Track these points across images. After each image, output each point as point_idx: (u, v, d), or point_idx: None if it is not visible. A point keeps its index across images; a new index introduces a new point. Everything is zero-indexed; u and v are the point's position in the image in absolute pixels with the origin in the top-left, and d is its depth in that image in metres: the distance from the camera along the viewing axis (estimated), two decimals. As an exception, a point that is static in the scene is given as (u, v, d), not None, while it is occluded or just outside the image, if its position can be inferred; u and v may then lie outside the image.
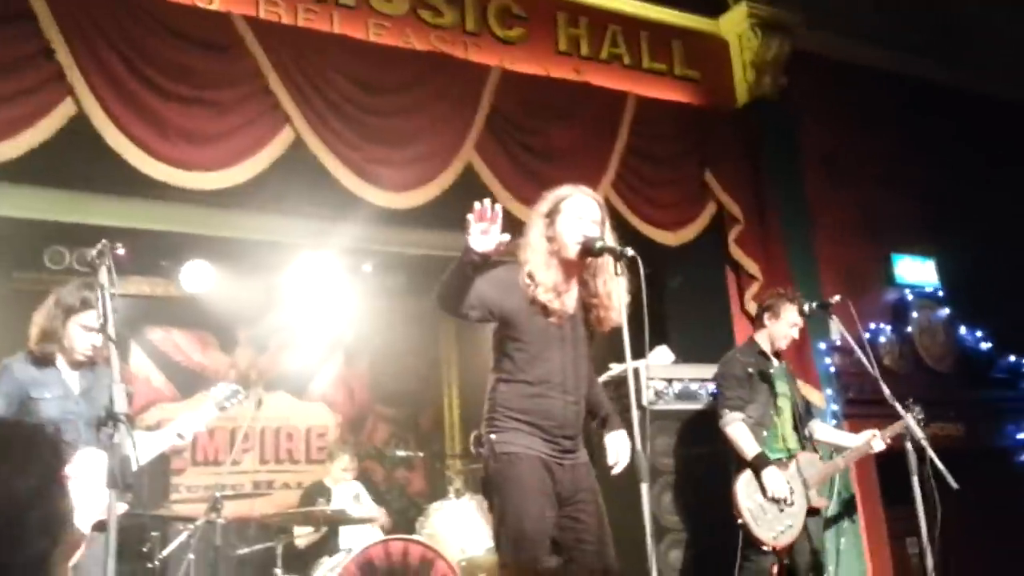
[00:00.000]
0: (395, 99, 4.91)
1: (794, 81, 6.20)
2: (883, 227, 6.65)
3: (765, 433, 4.53)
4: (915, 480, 4.10)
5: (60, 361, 3.50)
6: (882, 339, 6.28)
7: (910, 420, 4.22)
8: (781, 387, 4.66)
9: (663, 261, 5.76)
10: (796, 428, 4.64)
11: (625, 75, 5.77)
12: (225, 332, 7.01)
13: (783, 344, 4.68)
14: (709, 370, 5.59)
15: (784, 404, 4.63)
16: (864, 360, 4.28)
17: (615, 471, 3.22)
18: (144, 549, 4.79)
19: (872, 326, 6.23)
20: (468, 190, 5.05)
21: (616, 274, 3.06)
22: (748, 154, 5.93)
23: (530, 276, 3.13)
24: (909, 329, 6.53)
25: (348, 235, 5.88)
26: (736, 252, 5.76)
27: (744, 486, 4.44)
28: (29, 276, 6.06)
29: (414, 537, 4.92)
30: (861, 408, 5.82)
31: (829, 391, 5.75)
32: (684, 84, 6.01)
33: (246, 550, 5.17)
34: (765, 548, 4.39)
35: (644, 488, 2.97)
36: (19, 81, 3.98)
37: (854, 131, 6.70)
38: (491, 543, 4.88)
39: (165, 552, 4.83)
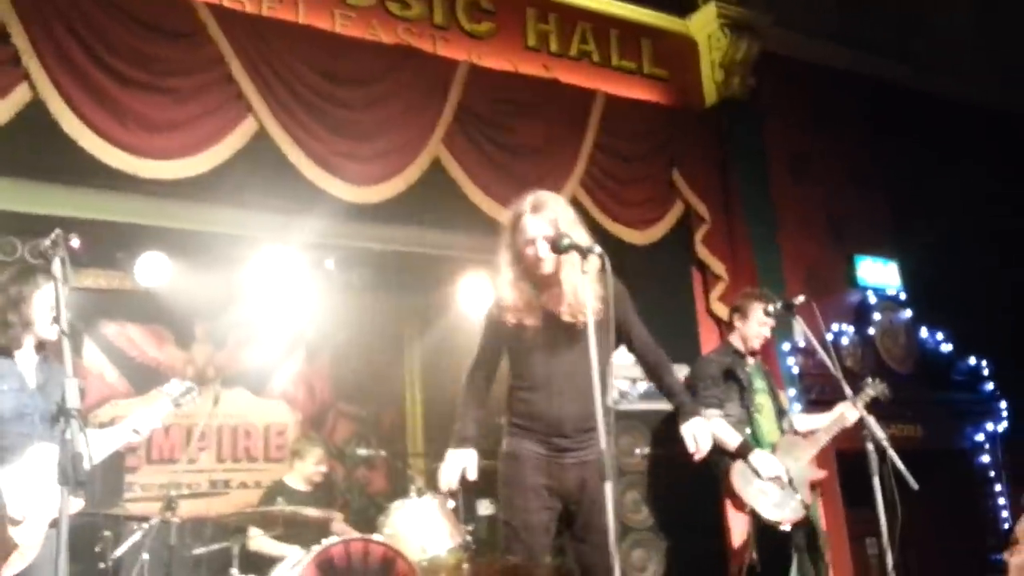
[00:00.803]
0: (361, 91, 4.84)
1: (762, 81, 6.23)
2: (846, 228, 6.71)
3: (748, 431, 4.54)
4: (876, 480, 4.12)
5: (17, 353, 3.38)
6: (844, 340, 6.32)
7: (871, 420, 4.23)
8: (758, 384, 4.69)
9: (630, 260, 5.74)
10: (778, 424, 4.68)
11: (594, 73, 5.76)
12: (182, 327, 6.84)
13: (756, 343, 4.70)
14: (674, 370, 5.60)
15: (763, 401, 4.66)
16: (827, 361, 4.29)
17: (697, 458, 3.41)
18: (97, 549, 4.65)
19: (835, 327, 6.28)
20: (433, 185, 5.01)
21: (582, 272, 3.07)
22: (716, 154, 5.96)
23: (498, 303, 3.36)
24: (871, 331, 6.59)
25: (311, 229, 5.77)
26: (702, 252, 5.78)
27: (739, 476, 4.44)
28: (-22, 267, 5.88)
29: (374, 537, 4.84)
30: (822, 409, 5.83)
31: (792, 391, 5.78)
32: (653, 83, 6.01)
33: (202, 550, 5.06)
34: (784, 527, 4.39)
35: (608, 487, 2.98)
36: (-31, 65, 3.86)
37: (820, 132, 6.75)
38: (452, 542, 4.86)
39: (118, 552, 4.69)
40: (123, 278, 6.19)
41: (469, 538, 5.02)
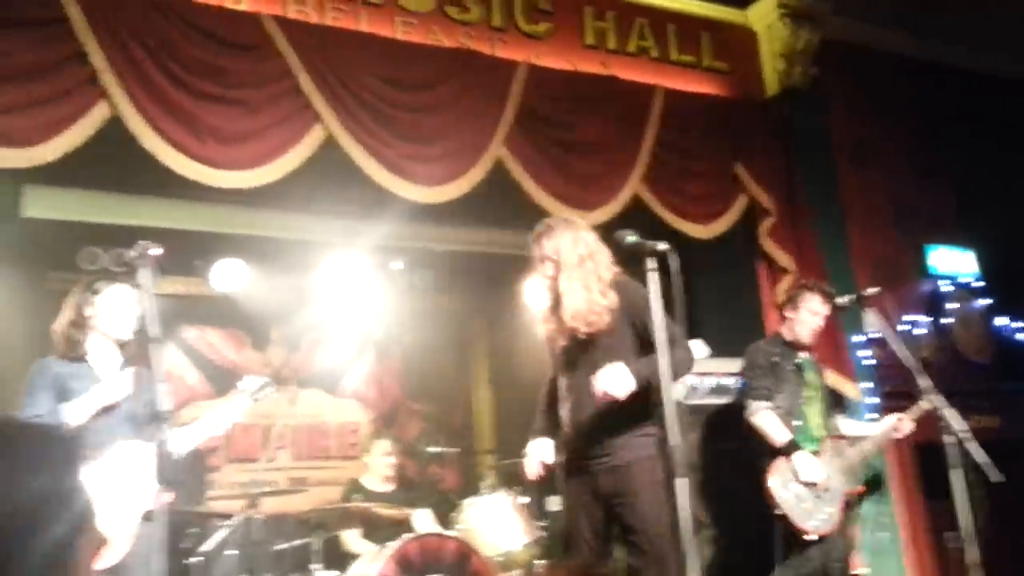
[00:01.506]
0: (424, 96, 4.92)
1: (824, 70, 6.13)
2: (915, 217, 6.57)
3: (796, 423, 4.48)
4: (955, 473, 4.05)
5: (91, 357, 3.53)
6: (918, 331, 6.20)
7: (951, 412, 4.16)
8: (810, 377, 4.62)
9: (694, 255, 5.73)
10: (826, 419, 4.61)
11: (653, 68, 5.74)
12: (258, 330, 7.05)
13: (806, 334, 4.62)
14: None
15: (813, 395, 4.59)
16: (901, 352, 4.24)
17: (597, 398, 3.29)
18: (184, 545, 4.83)
19: (907, 318, 6.16)
20: (496, 185, 5.07)
21: (647, 269, 3.11)
22: (779, 145, 5.88)
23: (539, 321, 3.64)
24: (945, 321, 6.44)
25: (378, 232, 5.90)
26: (768, 245, 5.72)
27: (778, 477, 4.39)
28: (63, 277, 6.12)
29: (449, 533, 4.92)
30: (899, 401, 5.72)
31: (865, 384, 5.69)
32: (713, 76, 5.97)
33: (284, 545, 5.21)
34: (809, 537, 4.33)
35: (680, 483, 3.00)
36: (53, 85, 4.02)
37: (886, 119, 6.62)
38: (525, 539, 4.92)
39: (205, 547, 4.86)
40: (201, 284, 6.39)
41: (542, 534, 5.08)
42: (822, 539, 4.35)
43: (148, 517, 3.02)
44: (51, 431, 1.11)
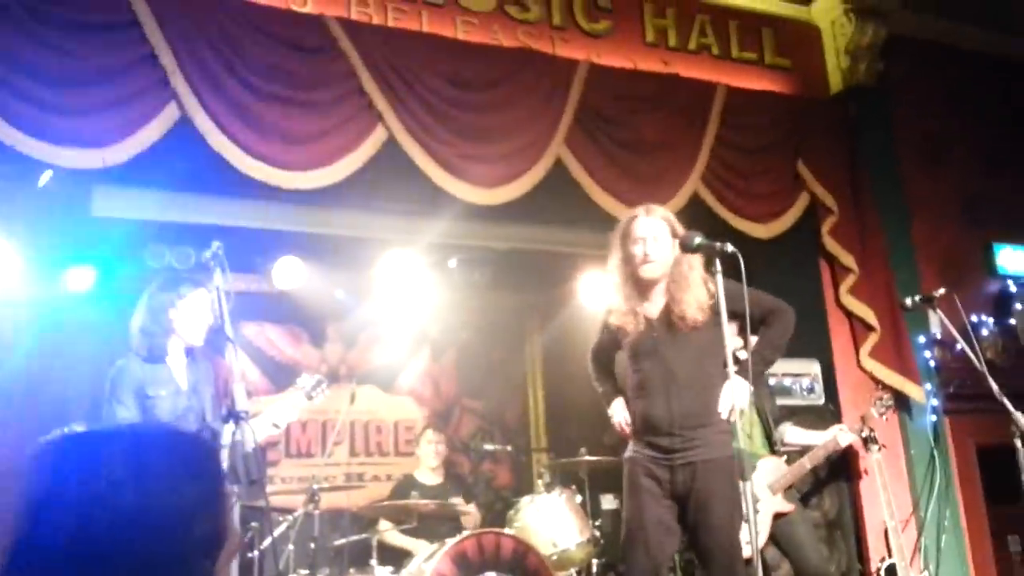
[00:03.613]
0: (485, 95, 4.93)
1: (890, 66, 6.01)
2: (983, 215, 6.40)
3: None
4: (1026, 477, 3.95)
5: (169, 359, 3.60)
6: (984, 331, 6.05)
7: (1019, 416, 4.05)
8: None
9: (755, 254, 5.66)
10: (766, 434, 4.48)
11: (714, 65, 5.68)
12: (315, 327, 7.13)
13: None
14: (804, 365, 5.50)
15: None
16: (970, 354, 4.14)
17: (723, 416, 3.28)
18: (246, 539, 4.90)
19: (973, 318, 6.02)
20: (554, 183, 5.06)
21: (714, 271, 3.11)
22: (842, 143, 5.78)
23: (609, 309, 3.55)
24: (1012, 321, 6.28)
25: (435, 230, 5.94)
26: (830, 244, 5.62)
27: None
28: (130, 275, 6.25)
29: (506, 531, 4.94)
30: (963, 403, 5.66)
31: (929, 386, 5.58)
32: (775, 73, 5.88)
33: (343, 541, 5.26)
34: None
35: (744, 487, 2.99)
36: (124, 87, 4.10)
37: (953, 116, 6.46)
38: (581, 537, 4.91)
39: (265, 543, 4.94)
40: (260, 281, 6.48)
41: (597, 533, 5.07)
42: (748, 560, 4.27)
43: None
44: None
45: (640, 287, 3.45)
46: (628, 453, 3.50)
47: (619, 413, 3.56)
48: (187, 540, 0.92)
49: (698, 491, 3.31)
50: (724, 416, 3.23)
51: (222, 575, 0.97)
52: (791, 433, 4.67)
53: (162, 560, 0.90)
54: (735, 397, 3.15)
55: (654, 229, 3.43)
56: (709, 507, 3.31)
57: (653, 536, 3.33)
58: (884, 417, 5.12)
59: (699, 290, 3.36)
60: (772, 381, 5.18)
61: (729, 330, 4.34)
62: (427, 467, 5.93)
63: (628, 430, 3.53)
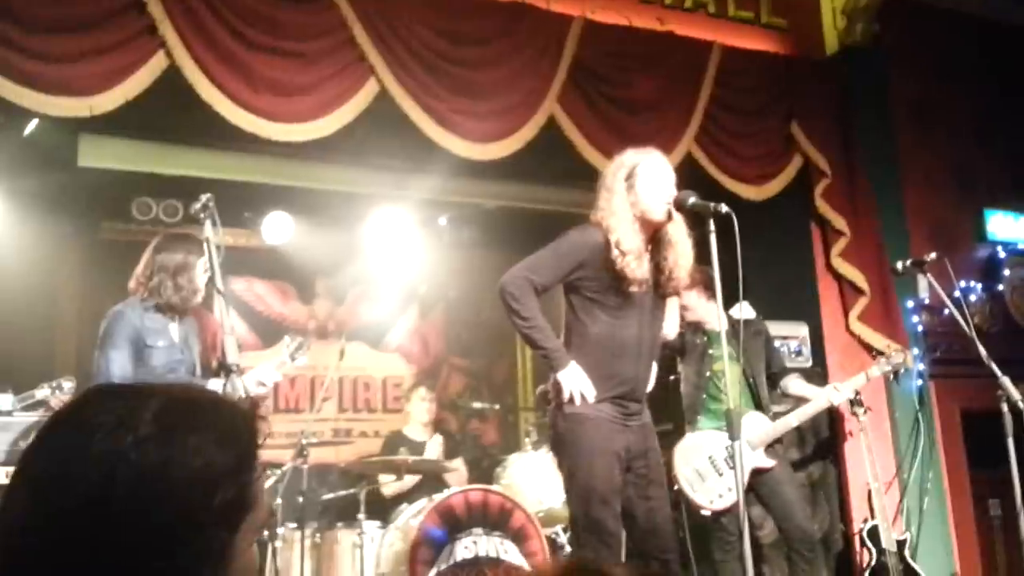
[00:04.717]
0: (478, 50, 4.87)
1: (886, 28, 5.95)
2: (975, 181, 6.40)
3: (703, 396, 4.43)
4: (1011, 442, 3.98)
5: (168, 312, 3.57)
6: (972, 297, 6.08)
7: (1007, 381, 4.08)
8: (718, 350, 4.36)
9: (746, 216, 5.65)
10: (752, 390, 4.43)
11: (710, 24, 5.61)
12: (304, 283, 7.10)
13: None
14: (792, 327, 5.52)
15: (724, 367, 4.28)
16: (959, 319, 4.15)
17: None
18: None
19: (962, 284, 6.04)
20: (546, 141, 5.02)
21: (708, 231, 3.10)
22: (837, 105, 5.73)
23: (617, 245, 3.18)
24: (1000, 287, 6.32)
25: (425, 187, 5.89)
26: (822, 206, 5.60)
27: (680, 453, 4.40)
28: (117, 227, 6.21)
29: (493, 487, 4.97)
30: (948, 368, 5.70)
31: (916, 350, 5.62)
32: (771, 33, 5.82)
33: (331, 496, 5.29)
34: (704, 513, 4.35)
35: (737, 446, 3.02)
36: (112, 34, 4.03)
37: (948, 80, 6.41)
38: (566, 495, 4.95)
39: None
40: (250, 236, 6.44)
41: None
42: (722, 513, 4.33)
43: None
44: (240, 404, 1.02)
45: (646, 233, 3.25)
46: (582, 411, 3.18)
47: (581, 380, 3.16)
48: (207, 507, 0.89)
49: (650, 450, 3.33)
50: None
51: (243, 549, 0.93)
52: (795, 385, 4.63)
53: (178, 525, 0.87)
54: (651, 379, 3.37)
55: (668, 172, 3.32)
56: (659, 465, 3.39)
57: (618, 502, 3.24)
58: (892, 375, 4.94)
59: (689, 255, 3.30)
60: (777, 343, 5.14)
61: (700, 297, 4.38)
62: (418, 423, 5.95)
63: (588, 402, 3.18)
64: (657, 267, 3.31)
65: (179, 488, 0.87)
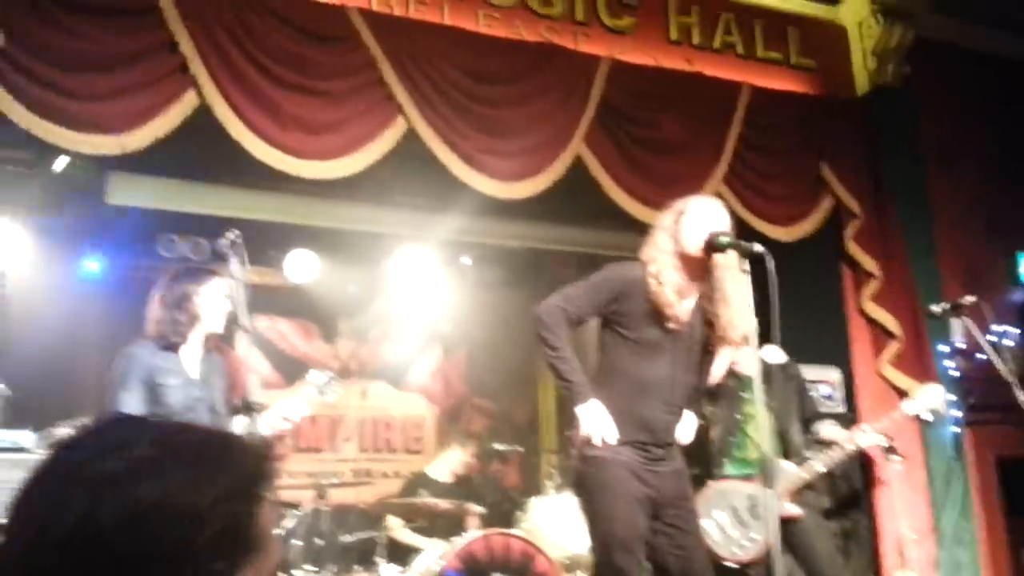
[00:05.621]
0: (505, 89, 4.87)
1: (917, 70, 5.91)
2: (1008, 223, 6.29)
3: (732, 439, 4.31)
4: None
5: (182, 348, 3.53)
6: (1007, 342, 5.95)
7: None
8: (750, 394, 4.18)
9: (775, 258, 5.58)
10: (782, 436, 4.30)
11: (739, 65, 5.60)
12: (327, 322, 7.09)
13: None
14: (824, 372, 5.42)
15: (754, 411, 4.03)
16: (997, 363, 4.06)
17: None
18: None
19: (996, 328, 5.92)
20: (571, 182, 4.99)
21: (742, 271, 3.04)
22: (867, 146, 5.69)
23: (655, 276, 3.13)
24: (1036, 332, 6.19)
25: (449, 227, 5.88)
26: (853, 248, 5.53)
27: (703, 503, 4.19)
28: (143, 264, 6.22)
29: (515, 532, 4.88)
30: (984, 414, 5.57)
31: (950, 396, 5.49)
32: (800, 73, 5.79)
33: (350, 538, 5.21)
34: (728, 564, 4.18)
35: (771, 494, 2.95)
36: (144, 73, 4.06)
37: (980, 121, 6.35)
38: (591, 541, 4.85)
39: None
40: (273, 274, 6.44)
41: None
42: (747, 565, 4.19)
43: None
44: (240, 441, 0.99)
45: (685, 275, 3.17)
46: (602, 454, 3.09)
47: (603, 420, 3.06)
48: (197, 537, 0.86)
49: (681, 498, 3.23)
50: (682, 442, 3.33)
51: None
52: (827, 429, 4.50)
53: (167, 555, 0.84)
54: (689, 430, 3.35)
55: (718, 214, 3.24)
56: (692, 514, 3.29)
57: (642, 549, 3.13)
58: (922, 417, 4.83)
59: (746, 315, 3.04)
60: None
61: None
62: (447, 468, 5.88)
63: (609, 443, 3.08)
64: (708, 323, 3.26)
65: (168, 516, 0.85)
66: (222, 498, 0.88)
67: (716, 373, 4.36)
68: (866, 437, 4.36)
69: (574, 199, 5.27)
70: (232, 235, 2.89)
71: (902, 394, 5.43)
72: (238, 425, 2.52)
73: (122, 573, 0.83)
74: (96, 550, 0.83)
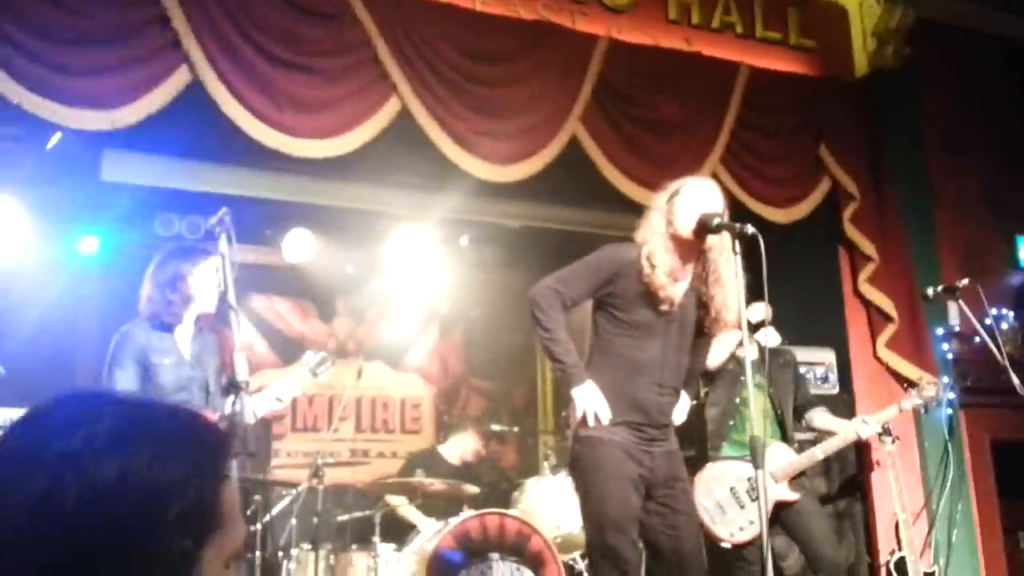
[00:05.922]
0: (502, 69, 4.83)
1: (917, 51, 5.85)
2: (1007, 206, 6.27)
3: (731, 422, 4.35)
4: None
5: (178, 327, 3.54)
6: (1004, 325, 5.93)
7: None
8: (749, 375, 4.32)
9: (771, 239, 5.56)
10: (780, 421, 4.36)
11: (737, 45, 5.54)
12: (324, 301, 7.08)
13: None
14: (819, 354, 5.41)
15: (754, 394, 4.19)
16: (992, 347, 4.06)
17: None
18: (248, 512, 4.87)
19: (994, 311, 5.90)
20: (569, 161, 4.97)
21: (734, 252, 3.02)
22: (866, 127, 5.64)
23: (648, 258, 3.12)
24: (1033, 315, 6.17)
25: (446, 206, 5.86)
26: (851, 231, 5.50)
27: (702, 484, 4.29)
28: (139, 242, 6.20)
29: (510, 512, 4.89)
30: (979, 397, 5.57)
31: (946, 379, 5.49)
32: (800, 54, 5.73)
33: (346, 517, 5.22)
34: (724, 545, 4.25)
35: (760, 475, 2.93)
36: (135, 48, 4.02)
37: (981, 104, 6.30)
38: (585, 520, 4.88)
39: (268, 516, 4.91)
40: (269, 253, 6.43)
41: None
42: (744, 546, 4.24)
43: None
44: (200, 419, 0.99)
45: (678, 256, 3.16)
46: (596, 434, 3.10)
47: (597, 400, 3.08)
48: (162, 515, 0.85)
49: (674, 479, 3.22)
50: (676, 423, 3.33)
51: (210, 567, 0.89)
52: (820, 419, 4.55)
53: (131, 532, 0.83)
54: (682, 410, 3.36)
55: (713, 195, 3.21)
56: (687, 494, 3.31)
57: (635, 528, 3.14)
58: (923, 408, 4.85)
59: (739, 298, 3.01)
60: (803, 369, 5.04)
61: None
62: (457, 453, 5.92)
63: (603, 423, 3.09)
64: (703, 305, 3.25)
65: (132, 494, 0.84)
66: (187, 476, 0.87)
67: (719, 356, 4.38)
68: (868, 428, 4.39)
69: (572, 178, 5.24)
70: (221, 213, 2.88)
71: (897, 377, 5.44)
72: (226, 404, 2.53)
73: (85, 552, 0.82)
74: (58, 529, 0.82)
